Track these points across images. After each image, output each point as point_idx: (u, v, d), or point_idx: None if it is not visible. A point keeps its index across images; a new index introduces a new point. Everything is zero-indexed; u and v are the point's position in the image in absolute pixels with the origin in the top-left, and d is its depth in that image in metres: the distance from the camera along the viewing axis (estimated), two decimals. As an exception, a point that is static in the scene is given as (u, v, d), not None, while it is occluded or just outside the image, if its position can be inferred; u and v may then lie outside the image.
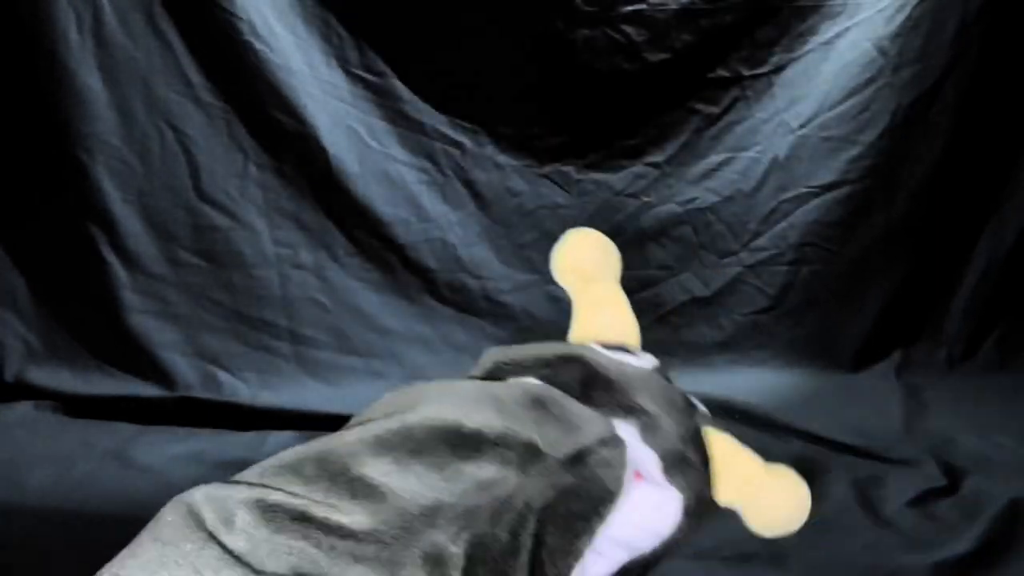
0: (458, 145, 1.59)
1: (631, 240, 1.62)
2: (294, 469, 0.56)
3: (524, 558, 0.58)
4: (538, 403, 0.70)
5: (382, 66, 1.55)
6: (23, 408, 1.46)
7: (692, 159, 1.60)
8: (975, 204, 1.62)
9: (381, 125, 1.57)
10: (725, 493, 0.77)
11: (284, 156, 1.55)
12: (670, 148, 1.60)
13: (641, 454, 0.73)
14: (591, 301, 0.90)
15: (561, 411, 0.70)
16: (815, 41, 1.54)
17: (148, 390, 1.53)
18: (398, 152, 1.58)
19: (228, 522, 0.50)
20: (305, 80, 1.51)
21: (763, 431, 1.40)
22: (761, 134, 1.58)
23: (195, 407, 1.49)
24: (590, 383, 0.76)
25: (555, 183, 1.61)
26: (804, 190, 1.58)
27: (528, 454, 0.62)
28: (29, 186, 1.54)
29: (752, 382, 1.53)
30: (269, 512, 0.51)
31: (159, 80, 1.51)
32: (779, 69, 1.56)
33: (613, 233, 1.63)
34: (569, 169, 1.61)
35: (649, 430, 0.74)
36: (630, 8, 1.52)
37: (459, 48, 1.55)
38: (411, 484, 0.56)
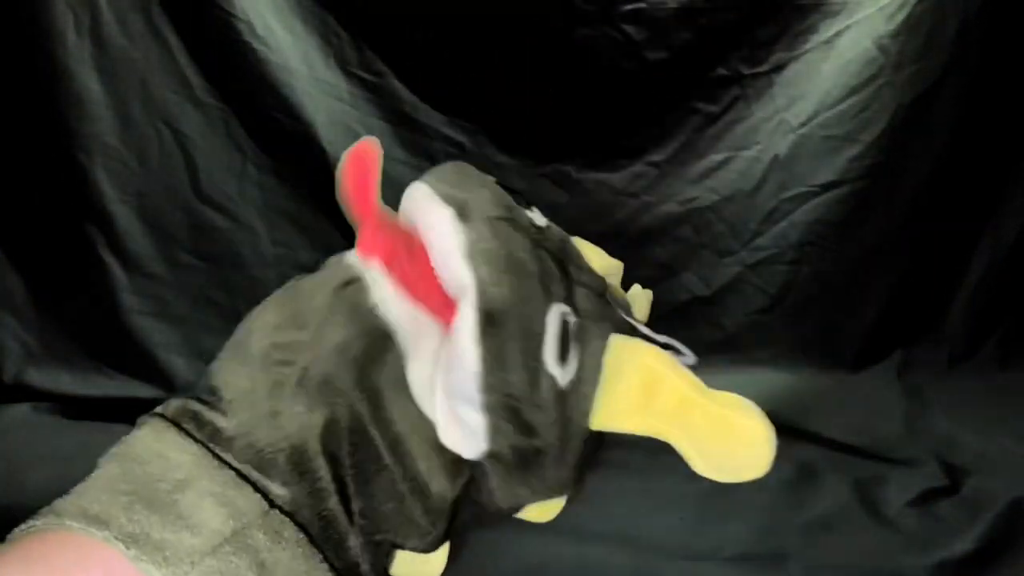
0: (458, 145, 1.59)
1: (631, 240, 1.62)
2: None
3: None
4: None
5: (381, 66, 1.55)
6: (21, 410, 1.46)
7: (692, 158, 1.60)
8: (976, 203, 1.62)
9: (380, 125, 1.57)
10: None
11: (283, 156, 1.55)
12: (670, 147, 1.60)
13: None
14: None
15: None
16: (815, 39, 1.53)
17: (147, 391, 1.52)
18: (398, 152, 1.58)
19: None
20: (304, 80, 1.51)
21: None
22: (761, 133, 1.58)
23: (194, 408, 1.49)
24: None
25: (555, 183, 1.61)
26: (805, 189, 1.58)
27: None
28: (27, 187, 1.53)
29: (752, 382, 1.53)
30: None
31: (157, 80, 1.50)
32: (779, 68, 1.55)
33: (613, 233, 1.64)
34: (569, 169, 1.60)
35: None
36: (629, 7, 1.51)
37: (458, 48, 1.54)
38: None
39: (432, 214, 0.52)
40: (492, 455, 0.45)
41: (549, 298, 0.47)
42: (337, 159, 1.60)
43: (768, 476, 1.28)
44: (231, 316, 1.57)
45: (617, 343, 0.53)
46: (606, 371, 0.50)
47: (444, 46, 1.55)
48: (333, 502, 0.39)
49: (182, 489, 0.36)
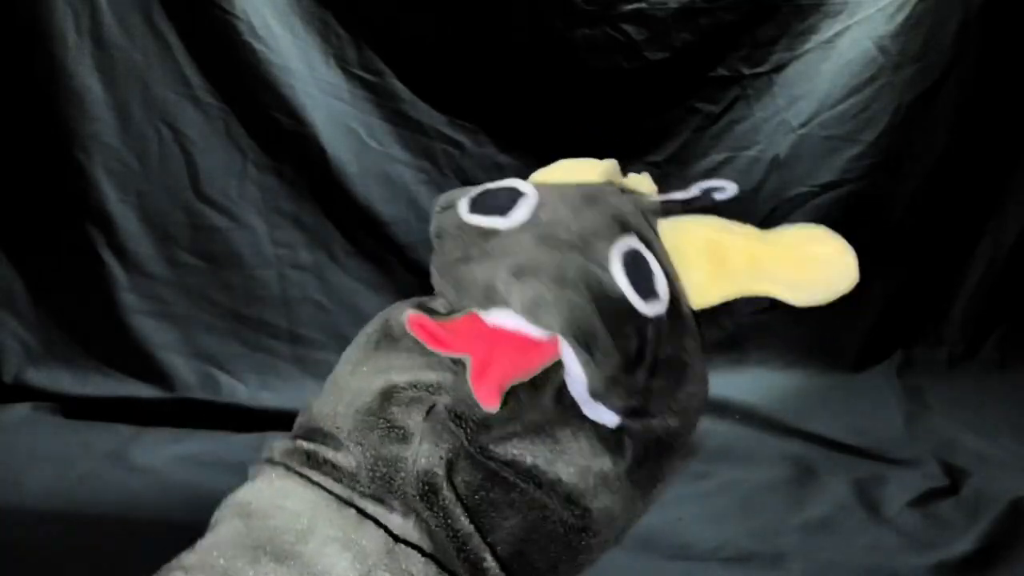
0: (458, 145, 1.59)
1: (631, 240, 1.62)
2: None
3: None
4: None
5: (381, 66, 1.55)
6: (22, 409, 1.46)
7: (692, 158, 1.60)
8: (976, 203, 1.62)
9: (380, 125, 1.57)
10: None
11: (283, 156, 1.55)
12: (670, 147, 1.60)
13: None
14: None
15: None
16: (816, 40, 1.53)
17: (147, 391, 1.52)
18: (397, 152, 1.58)
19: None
20: (304, 80, 1.51)
21: (763, 431, 1.39)
22: (762, 133, 1.58)
23: (194, 408, 1.49)
24: None
25: (555, 183, 1.60)
26: (805, 189, 1.58)
27: None
28: (27, 187, 1.53)
29: (752, 382, 1.53)
30: None
31: (157, 80, 1.50)
32: (780, 68, 1.56)
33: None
34: (569, 169, 1.60)
35: None
36: (630, 7, 1.51)
37: (459, 48, 1.54)
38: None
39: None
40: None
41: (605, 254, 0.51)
42: (337, 159, 1.61)
43: (768, 476, 1.28)
44: (231, 316, 1.57)
45: (666, 230, 0.58)
46: (672, 257, 0.57)
47: (444, 46, 1.55)
48: (464, 523, 0.40)
49: (305, 539, 0.36)
